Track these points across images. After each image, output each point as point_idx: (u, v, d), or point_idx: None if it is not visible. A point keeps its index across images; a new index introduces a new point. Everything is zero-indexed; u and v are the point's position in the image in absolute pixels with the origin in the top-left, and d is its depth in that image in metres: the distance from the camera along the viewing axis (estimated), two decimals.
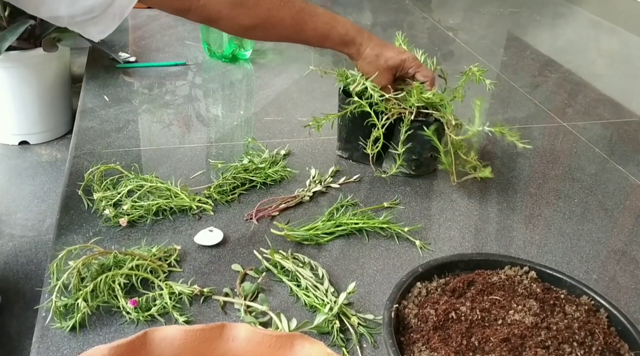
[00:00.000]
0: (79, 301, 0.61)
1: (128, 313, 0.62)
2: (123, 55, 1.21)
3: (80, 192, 0.80)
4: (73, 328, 0.60)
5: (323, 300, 0.65)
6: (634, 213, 0.89)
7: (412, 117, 0.84)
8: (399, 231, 0.78)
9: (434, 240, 0.78)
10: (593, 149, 1.04)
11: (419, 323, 0.55)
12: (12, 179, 1.11)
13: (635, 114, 1.21)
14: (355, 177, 0.90)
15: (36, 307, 0.62)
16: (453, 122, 0.84)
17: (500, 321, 0.55)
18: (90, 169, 0.82)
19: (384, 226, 0.78)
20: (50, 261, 0.67)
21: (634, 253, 0.80)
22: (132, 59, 1.21)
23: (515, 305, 0.57)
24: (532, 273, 0.61)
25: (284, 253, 0.72)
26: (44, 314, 0.62)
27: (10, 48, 1.25)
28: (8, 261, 0.94)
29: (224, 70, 1.24)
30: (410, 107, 0.84)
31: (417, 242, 0.77)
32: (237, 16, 0.76)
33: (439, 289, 0.59)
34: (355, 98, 0.86)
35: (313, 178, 0.88)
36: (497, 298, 0.58)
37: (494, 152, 1.00)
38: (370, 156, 0.86)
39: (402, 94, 0.86)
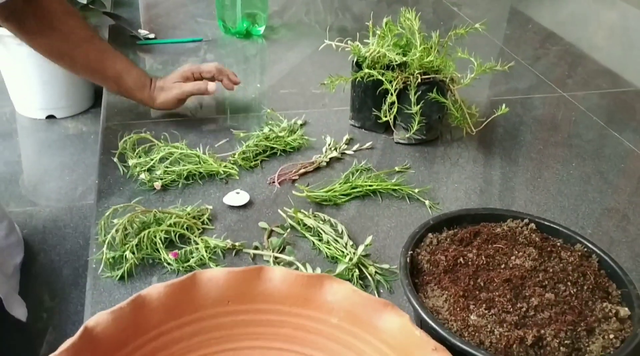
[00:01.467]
0: (127, 253, 0.68)
1: (169, 264, 0.69)
2: (143, 32, 1.26)
3: (115, 159, 0.87)
4: (122, 277, 0.68)
5: (343, 252, 0.72)
6: (628, 176, 0.96)
7: (417, 82, 0.90)
8: (410, 192, 0.85)
9: (442, 200, 0.85)
10: (591, 117, 1.11)
11: (431, 267, 0.62)
12: (42, 151, 1.18)
13: (632, 84, 1.26)
14: (367, 144, 0.96)
15: (89, 258, 0.70)
16: (454, 80, 0.90)
17: (503, 266, 0.62)
18: (124, 138, 0.89)
19: (396, 187, 0.85)
20: (96, 220, 0.74)
21: (626, 211, 0.86)
22: (152, 35, 1.27)
23: (516, 252, 0.64)
24: (532, 225, 0.68)
25: (306, 212, 0.79)
26: (94, 266, 0.70)
27: None
28: (46, 225, 1.01)
29: (238, 46, 1.30)
30: (414, 74, 0.91)
31: (427, 202, 0.83)
32: (50, 41, 0.89)
33: (448, 239, 0.66)
34: (366, 69, 0.92)
35: (329, 145, 0.95)
36: (500, 246, 0.65)
37: (497, 121, 1.07)
38: (390, 120, 0.91)
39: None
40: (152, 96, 0.95)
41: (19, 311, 0.80)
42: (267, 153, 0.91)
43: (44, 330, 0.85)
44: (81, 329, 0.49)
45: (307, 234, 0.76)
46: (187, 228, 0.74)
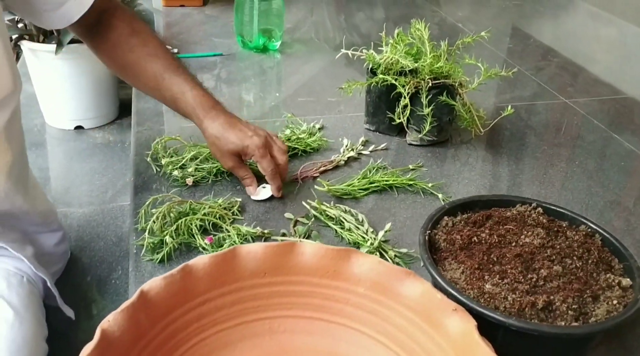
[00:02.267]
0: (166, 238, 0.74)
1: (204, 248, 0.75)
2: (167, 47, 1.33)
3: (149, 159, 0.93)
4: (161, 260, 0.73)
5: (364, 238, 0.78)
6: (629, 173, 1.01)
7: (429, 86, 0.96)
8: (424, 186, 0.91)
9: (454, 195, 0.91)
10: (592, 121, 1.17)
11: (448, 245, 0.68)
12: (73, 158, 1.25)
13: (630, 93, 1.33)
14: (382, 145, 1.02)
15: (130, 244, 0.75)
16: (463, 85, 0.97)
17: (513, 244, 0.68)
18: (156, 140, 0.95)
19: (411, 182, 0.91)
20: (134, 211, 0.80)
21: (628, 203, 0.92)
22: (175, 50, 1.34)
23: (525, 232, 0.69)
24: (539, 209, 0.73)
25: (328, 204, 0.85)
26: (135, 251, 0.75)
27: (70, 41, 1.40)
28: (80, 224, 1.07)
29: (256, 59, 1.38)
30: (425, 79, 0.97)
31: (440, 195, 0.89)
32: (113, 54, 0.89)
33: (462, 222, 0.72)
34: (380, 75, 0.99)
35: (346, 146, 1.01)
36: (511, 227, 0.70)
37: (504, 124, 1.13)
38: (404, 121, 0.98)
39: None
40: (203, 130, 0.86)
41: (68, 310, 0.86)
42: (289, 153, 0.97)
43: (84, 319, 0.90)
44: (137, 292, 0.55)
45: (329, 223, 0.81)
46: (219, 218, 0.80)
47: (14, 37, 1.23)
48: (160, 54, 0.89)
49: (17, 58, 1.52)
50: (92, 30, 0.88)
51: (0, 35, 0.74)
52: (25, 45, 1.22)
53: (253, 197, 0.86)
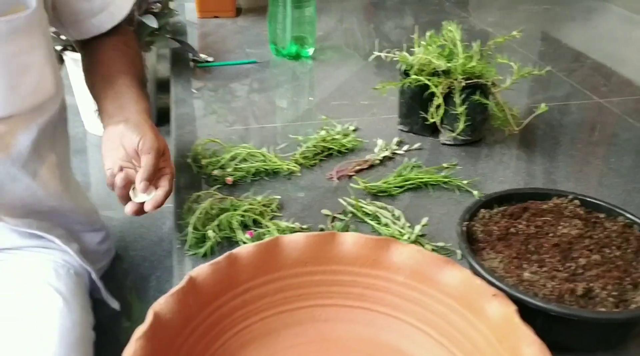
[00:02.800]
0: (209, 232, 0.76)
1: (245, 243, 0.77)
2: (202, 56, 1.38)
3: (189, 160, 0.96)
4: (204, 254, 0.76)
5: (401, 232, 0.79)
6: None
7: (462, 86, 0.98)
8: (459, 184, 0.92)
9: (489, 192, 0.91)
10: (626, 119, 1.16)
11: (485, 236, 0.69)
12: None
13: None
14: (416, 145, 1.04)
15: (177, 237, 0.78)
16: (496, 84, 0.98)
17: (551, 234, 0.68)
18: (197, 142, 0.99)
19: (446, 180, 0.92)
20: (178, 208, 0.83)
21: None
22: (210, 59, 1.38)
23: (563, 223, 0.70)
24: (576, 201, 0.74)
25: (364, 201, 0.86)
26: (178, 245, 0.78)
27: None
28: (122, 226, 1.11)
29: (289, 66, 1.40)
30: (457, 79, 0.98)
31: (475, 192, 0.90)
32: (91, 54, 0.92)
33: (499, 214, 0.73)
34: (414, 76, 1.01)
35: (380, 146, 1.02)
36: (548, 218, 0.71)
37: (537, 124, 1.13)
38: (437, 121, 0.99)
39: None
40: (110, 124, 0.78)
41: (113, 301, 0.89)
42: (325, 153, 1.00)
43: (127, 313, 0.93)
44: (186, 277, 0.57)
45: (366, 219, 0.83)
46: (259, 214, 0.82)
47: (58, 48, 1.28)
48: (134, 65, 0.90)
49: (61, 68, 1.59)
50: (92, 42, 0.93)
51: (45, 42, 0.78)
52: (68, 55, 1.27)
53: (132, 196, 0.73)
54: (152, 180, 0.71)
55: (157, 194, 0.71)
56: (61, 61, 1.52)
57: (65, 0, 0.83)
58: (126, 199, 0.71)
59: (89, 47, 0.92)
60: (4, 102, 0.75)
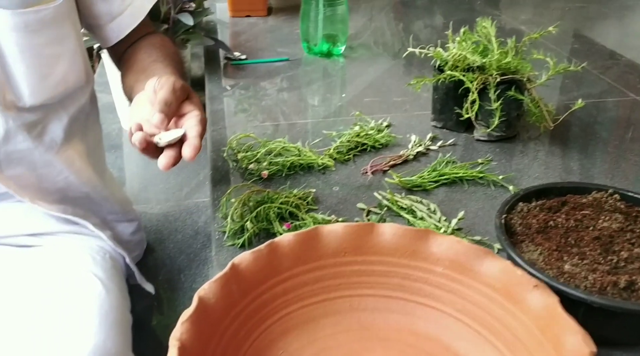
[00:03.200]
0: (247, 223, 0.77)
1: (282, 234, 0.78)
2: (236, 54, 1.40)
3: (225, 155, 0.98)
4: (242, 245, 0.77)
5: (437, 225, 0.79)
6: None
7: (497, 81, 0.97)
8: (494, 179, 0.91)
9: (525, 187, 0.91)
10: None
11: (524, 229, 0.69)
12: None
13: None
14: (450, 141, 1.04)
15: (215, 229, 0.79)
16: (531, 80, 0.97)
17: (591, 228, 0.68)
18: (232, 137, 1.00)
19: (481, 175, 0.92)
20: (215, 200, 0.84)
21: None
22: (243, 56, 1.40)
23: (603, 217, 0.69)
24: (616, 196, 0.73)
25: (399, 196, 0.87)
26: (217, 236, 0.79)
27: None
28: (158, 220, 1.13)
29: (321, 64, 1.41)
30: (492, 74, 0.98)
31: (511, 187, 0.90)
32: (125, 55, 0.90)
33: (537, 208, 0.72)
34: (448, 71, 1.01)
35: (414, 142, 1.03)
36: (587, 212, 0.70)
37: (572, 121, 1.12)
38: (472, 117, 0.99)
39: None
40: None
41: (148, 286, 0.91)
42: (358, 149, 1.00)
43: (163, 303, 0.95)
44: (229, 264, 0.58)
45: (402, 213, 0.83)
46: (295, 206, 0.83)
47: (95, 46, 1.31)
48: (171, 58, 0.85)
49: (98, 65, 1.62)
50: (125, 49, 0.91)
51: (74, 33, 0.81)
52: (106, 52, 1.30)
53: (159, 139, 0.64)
54: (170, 116, 0.64)
55: (190, 136, 0.62)
56: (98, 58, 1.55)
57: (86, 1, 0.84)
58: (153, 153, 0.64)
59: (125, 57, 0.90)
60: (35, 91, 0.78)
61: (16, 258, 0.83)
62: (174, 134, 0.63)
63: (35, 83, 0.77)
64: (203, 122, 0.65)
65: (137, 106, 0.69)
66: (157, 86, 0.65)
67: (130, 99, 0.80)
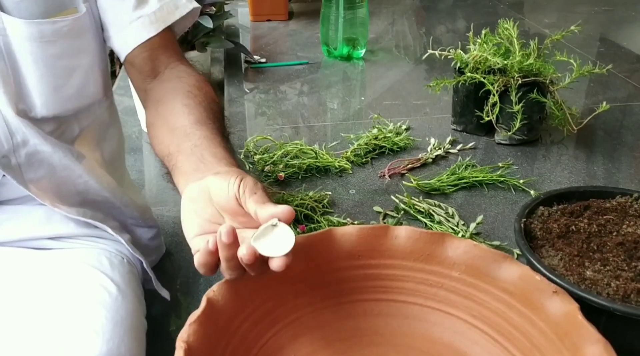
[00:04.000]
0: None
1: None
2: (256, 57, 1.39)
3: (242, 157, 0.97)
4: None
5: (454, 230, 0.78)
6: None
7: (518, 83, 0.95)
8: (515, 183, 0.89)
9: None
10: None
11: (544, 234, 0.66)
12: None
13: None
14: (470, 144, 1.02)
15: None
16: (554, 82, 0.95)
17: (614, 233, 0.66)
18: (249, 139, 0.99)
19: (502, 179, 0.90)
20: None
21: None
22: (263, 60, 1.40)
23: (627, 222, 0.67)
24: None
25: (416, 199, 0.85)
26: None
27: None
28: (175, 222, 1.13)
29: (340, 67, 1.41)
30: (514, 77, 0.96)
31: (532, 192, 0.87)
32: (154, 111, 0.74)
33: (558, 212, 0.70)
34: (469, 73, 0.99)
35: (433, 145, 1.01)
36: (611, 217, 0.68)
37: (597, 125, 1.09)
38: (493, 119, 0.97)
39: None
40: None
41: (164, 291, 0.91)
42: (376, 152, 0.99)
43: (178, 307, 0.94)
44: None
45: (419, 216, 0.82)
46: (310, 209, 0.82)
47: None
48: (213, 114, 0.72)
49: (119, 69, 1.63)
50: (147, 80, 0.79)
51: (95, 47, 0.78)
52: None
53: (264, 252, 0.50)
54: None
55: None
56: (120, 62, 1.56)
57: (97, 12, 0.80)
58: (238, 269, 0.52)
59: (152, 95, 0.77)
60: (48, 102, 0.77)
61: (35, 260, 0.83)
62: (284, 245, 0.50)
63: (47, 94, 0.76)
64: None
65: (194, 212, 0.56)
66: (240, 187, 0.53)
67: (165, 158, 0.67)
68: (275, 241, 0.50)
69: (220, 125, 0.72)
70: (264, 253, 0.49)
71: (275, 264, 0.50)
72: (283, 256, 0.49)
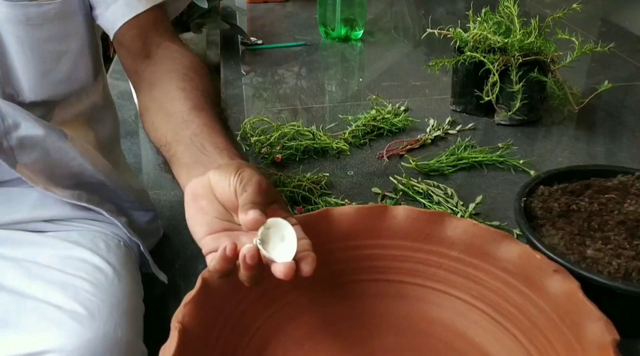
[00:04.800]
0: None
1: None
2: (252, 39, 1.38)
3: (238, 138, 0.96)
4: None
5: (454, 210, 0.77)
6: None
7: (519, 62, 0.94)
8: (515, 163, 0.88)
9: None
10: None
11: (544, 213, 0.65)
12: None
13: None
14: (470, 125, 1.00)
15: None
16: (555, 61, 0.93)
17: (616, 212, 0.65)
18: (245, 120, 0.98)
19: (501, 160, 0.89)
20: None
21: None
22: (260, 41, 1.38)
23: (629, 201, 0.66)
24: None
25: (415, 180, 0.84)
26: None
27: None
28: (173, 205, 1.12)
29: (338, 48, 1.39)
30: (515, 56, 0.94)
31: (532, 172, 0.86)
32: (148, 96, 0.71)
33: (559, 191, 0.69)
34: (468, 52, 0.97)
35: (432, 125, 1.00)
36: (612, 196, 0.67)
37: (598, 105, 1.08)
38: (493, 99, 0.96)
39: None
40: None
41: (162, 275, 0.90)
42: (375, 133, 0.98)
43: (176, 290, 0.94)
44: None
45: (417, 197, 0.81)
46: (308, 190, 0.81)
47: None
48: (209, 98, 0.69)
49: (115, 53, 1.61)
50: (137, 60, 0.75)
51: (84, 32, 0.75)
52: None
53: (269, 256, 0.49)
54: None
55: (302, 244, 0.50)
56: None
57: None
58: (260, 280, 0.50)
59: (145, 79, 0.74)
60: (36, 87, 0.75)
61: (29, 243, 0.83)
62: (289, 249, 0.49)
63: (35, 79, 0.75)
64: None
65: (200, 210, 0.53)
66: (237, 183, 0.51)
67: (162, 148, 0.65)
68: (278, 244, 0.49)
69: (219, 110, 0.69)
70: (277, 259, 0.48)
71: (281, 270, 0.48)
72: (289, 262, 0.48)
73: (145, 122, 0.70)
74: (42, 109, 0.78)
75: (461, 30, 1.00)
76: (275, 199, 0.54)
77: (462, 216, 0.75)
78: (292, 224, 0.51)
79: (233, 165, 0.53)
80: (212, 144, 0.60)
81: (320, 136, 0.93)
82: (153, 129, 0.68)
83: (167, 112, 0.67)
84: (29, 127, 0.77)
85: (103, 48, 0.88)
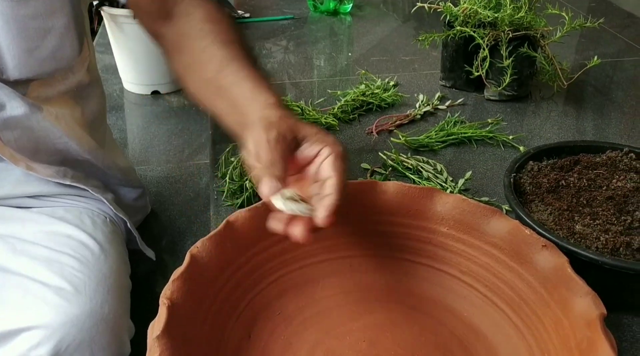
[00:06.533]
0: (246, 183, 0.75)
1: None
2: (239, 12, 1.35)
3: None
4: (241, 205, 0.74)
5: (443, 186, 0.76)
6: None
7: (509, 37, 0.93)
8: (504, 139, 0.88)
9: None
10: None
11: (534, 188, 0.66)
12: (150, 121, 1.29)
13: None
14: (459, 101, 1.00)
15: (214, 188, 0.77)
16: (545, 36, 0.93)
17: (604, 187, 0.65)
18: None
19: (491, 135, 0.88)
20: (214, 160, 0.82)
21: None
22: (247, 15, 1.36)
23: (617, 176, 0.66)
24: (632, 155, 0.70)
25: (404, 156, 0.84)
26: (215, 196, 0.77)
27: None
28: (159, 181, 1.11)
29: (327, 22, 1.37)
30: (505, 31, 0.94)
31: (521, 148, 0.86)
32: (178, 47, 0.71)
33: (548, 167, 0.69)
34: (458, 27, 0.96)
35: (422, 101, 0.99)
36: (601, 171, 0.67)
37: (587, 80, 1.08)
38: (482, 74, 0.95)
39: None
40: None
41: (149, 251, 0.89)
42: (364, 108, 0.97)
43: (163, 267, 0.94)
44: (224, 222, 0.56)
45: (407, 173, 0.80)
46: None
47: (95, 3, 1.27)
48: (238, 42, 0.68)
49: (99, 25, 1.58)
50: (157, 22, 0.73)
51: (69, 8, 0.73)
52: (106, 11, 1.26)
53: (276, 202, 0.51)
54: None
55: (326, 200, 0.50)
56: (98, 17, 1.51)
57: None
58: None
59: (169, 43, 0.72)
60: (20, 64, 0.73)
61: (14, 218, 0.81)
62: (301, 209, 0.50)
63: (19, 56, 0.73)
64: (339, 166, 0.52)
65: (272, 140, 0.52)
66: (327, 158, 0.52)
67: (202, 97, 0.67)
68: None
69: (247, 54, 0.67)
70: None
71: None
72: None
73: (184, 88, 0.71)
74: (27, 86, 0.76)
75: (451, 5, 0.99)
76: (305, 135, 0.54)
77: (451, 192, 0.75)
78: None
79: (312, 128, 0.55)
80: (250, 107, 0.59)
81: (309, 111, 0.92)
82: (194, 95, 0.69)
83: (201, 79, 0.67)
84: (13, 106, 0.76)
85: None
